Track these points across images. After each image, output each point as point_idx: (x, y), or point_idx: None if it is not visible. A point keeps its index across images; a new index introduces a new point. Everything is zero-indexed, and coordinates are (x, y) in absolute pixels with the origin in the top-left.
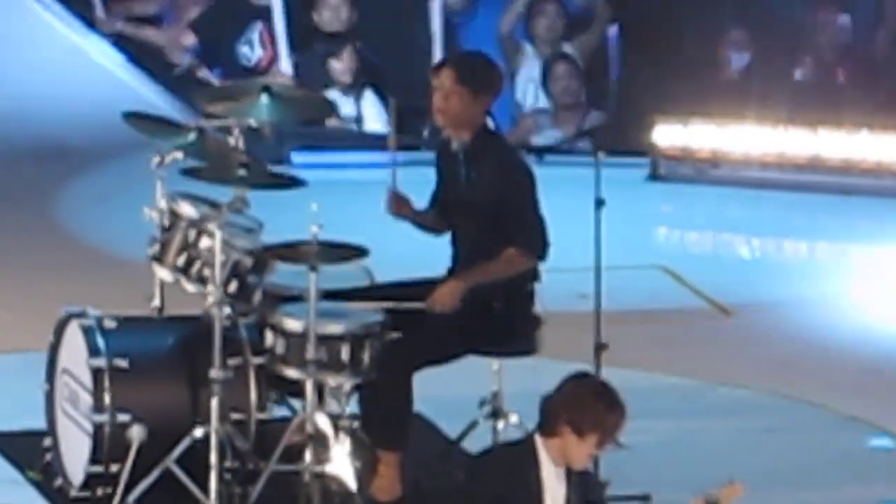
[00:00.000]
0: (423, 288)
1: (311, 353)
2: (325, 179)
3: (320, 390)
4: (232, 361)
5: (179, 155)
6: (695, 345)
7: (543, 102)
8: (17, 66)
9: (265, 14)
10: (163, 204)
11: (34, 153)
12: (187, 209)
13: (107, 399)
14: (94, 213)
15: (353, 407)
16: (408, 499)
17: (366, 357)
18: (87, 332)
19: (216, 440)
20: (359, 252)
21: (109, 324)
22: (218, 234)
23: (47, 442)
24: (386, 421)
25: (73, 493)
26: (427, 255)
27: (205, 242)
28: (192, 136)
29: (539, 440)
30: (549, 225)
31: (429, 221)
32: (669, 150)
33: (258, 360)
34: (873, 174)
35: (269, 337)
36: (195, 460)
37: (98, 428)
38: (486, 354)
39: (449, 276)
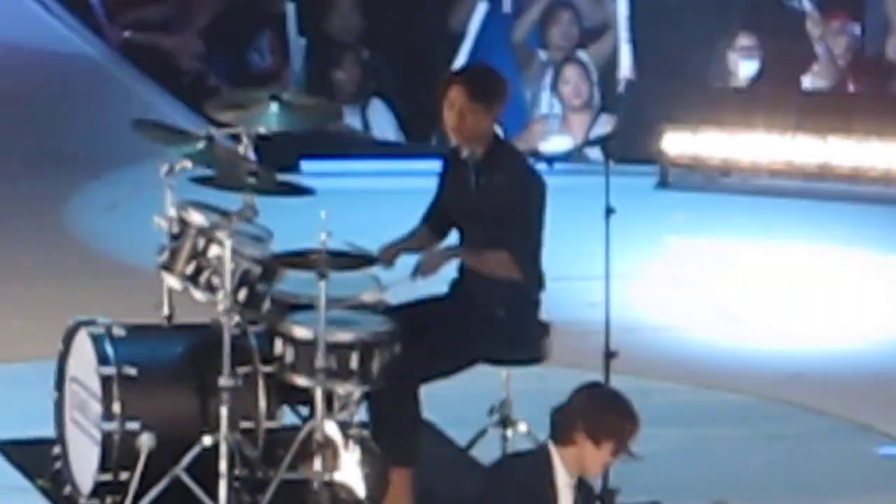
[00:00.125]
0: (430, 305)
1: (320, 361)
2: (335, 187)
3: (329, 398)
4: (241, 369)
5: (188, 163)
6: (704, 353)
7: (555, 108)
8: None
9: (275, 22)
10: (172, 212)
11: (43, 161)
12: (196, 217)
13: (116, 407)
14: (103, 222)
15: (362, 415)
16: None
17: (375, 365)
18: (97, 340)
19: (225, 448)
20: (367, 260)
21: (118, 332)
22: (227, 243)
23: (56, 450)
24: (396, 437)
25: (82, 501)
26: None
27: (214, 251)
28: (201, 145)
29: (553, 449)
30: (549, 239)
31: (416, 244)
32: (679, 158)
33: (267, 369)
34: (882, 182)
35: (279, 345)
36: (204, 468)
37: (107, 436)
38: (493, 363)
39: (454, 286)
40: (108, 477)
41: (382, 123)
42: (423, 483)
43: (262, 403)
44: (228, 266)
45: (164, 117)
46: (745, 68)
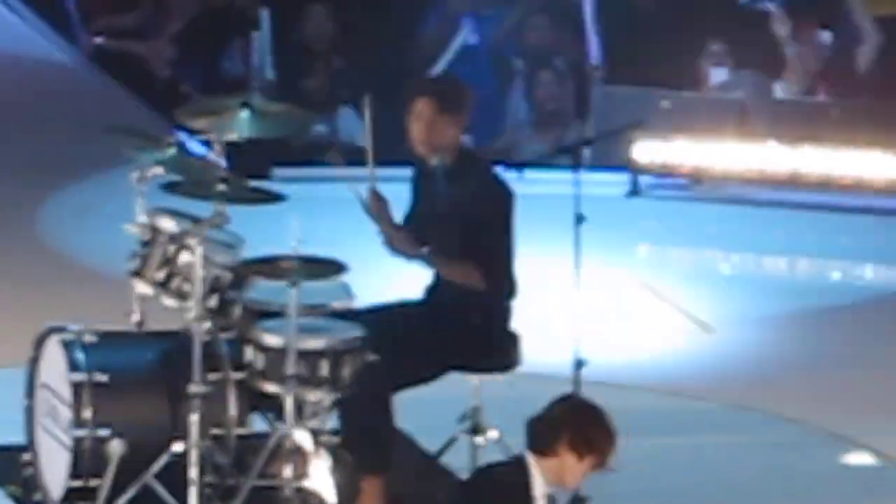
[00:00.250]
0: (401, 310)
1: (290, 368)
2: (306, 194)
3: (300, 405)
4: (212, 376)
5: (160, 170)
6: (675, 361)
7: (528, 115)
8: None
9: (247, 29)
10: (143, 219)
11: (15, 167)
12: (167, 224)
13: (86, 414)
14: (74, 228)
15: (332, 422)
16: None
17: (345, 372)
18: (67, 346)
19: (196, 455)
20: (338, 268)
21: (89, 338)
22: (198, 250)
23: (27, 457)
24: (367, 445)
25: None
26: (406, 272)
27: (185, 257)
28: (172, 151)
29: (532, 460)
30: (518, 249)
31: (399, 239)
32: (650, 166)
33: (238, 376)
34: (853, 191)
35: (249, 352)
36: (175, 475)
37: (78, 442)
38: (465, 371)
39: (427, 294)
40: (78, 483)
41: (353, 131)
42: (394, 491)
43: (233, 410)
44: (199, 273)
45: (136, 123)
46: (715, 76)
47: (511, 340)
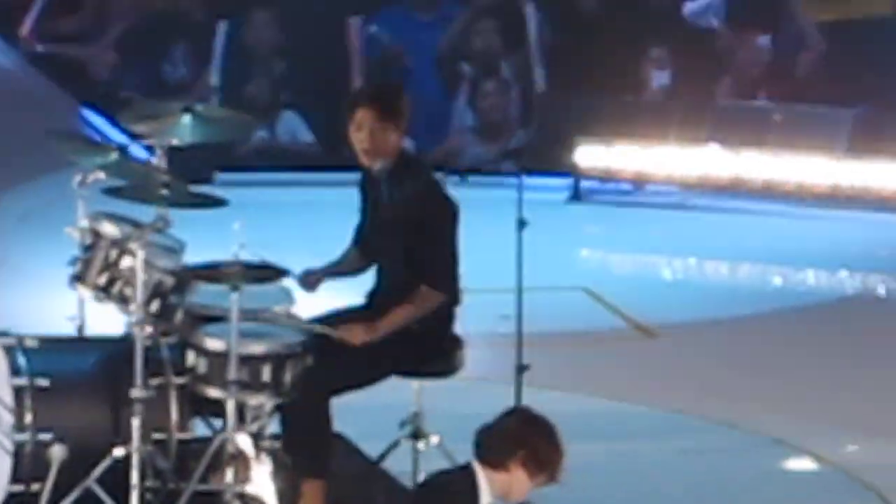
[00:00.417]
0: (345, 318)
1: (232, 373)
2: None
3: (241, 410)
4: (153, 381)
5: (102, 174)
6: (617, 366)
7: (472, 121)
8: None
9: (190, 33)
10: (85, 223)
11: None
12: (109, 228)
13: (28, 418)
14: (16, 232)
15: (274, 427)
16: None
17: (287, 377)
18: (9, 351)
19: (137, 460)
20: (280, 272)
21: (31, 343)
22: (140, 254)
23: None
24: (307, 450)
25: None
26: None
27: (126, 262)
28: (114, 156)
29: (480, 471)
30: (464, 253)
31: (344, 268)
32: (592, 170)
33: (180, 380)
34: (796, 196)
35: (191, 357)
36: (116, 480)
37: (19, 447)
38: (406, 376)
39: (370, 298)
40: (19, 488)
41: (296, 135)
42: (336, 495)
43: (175, 415)
44: (141, 277)
45: (78, 128)
46: (656, 81)
47: (454, 345)
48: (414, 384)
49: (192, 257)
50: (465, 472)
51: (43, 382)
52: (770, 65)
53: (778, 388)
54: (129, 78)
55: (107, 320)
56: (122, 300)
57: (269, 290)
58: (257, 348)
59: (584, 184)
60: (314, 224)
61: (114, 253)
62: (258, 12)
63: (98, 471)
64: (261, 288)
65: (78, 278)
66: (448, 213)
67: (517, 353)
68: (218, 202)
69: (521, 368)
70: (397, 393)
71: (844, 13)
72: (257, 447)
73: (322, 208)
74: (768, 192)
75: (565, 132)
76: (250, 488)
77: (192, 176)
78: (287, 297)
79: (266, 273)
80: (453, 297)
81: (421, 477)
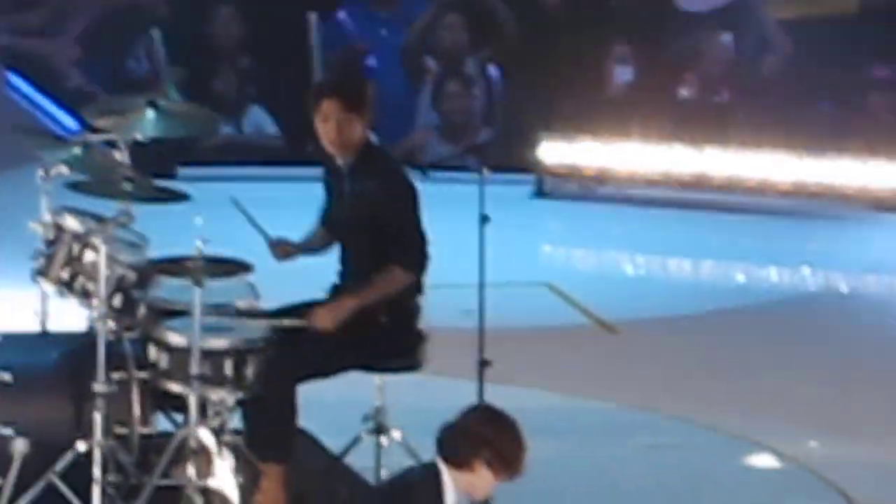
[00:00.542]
0: (307, 309)
1: (194, 367)
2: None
3: (203, 405)
4: (116, 375)
5: (65, 169)
6: (579, 362)
7: (436, 118)
8: None
9: (153, 28)
10: (48, 218)
11: None
12: (72, 223)
13: None
14: None
15: (235, 422)
16: None
17: (249, 372)
18: None
19: (99, 454)
20: (243, 267)
21: None
22: (102, 249)
23: None
24: (269, 434)
25: None
26: (312, 271)
27: (89, 256)
28: (77, 150)
29: (445, 470)
30: (429, 240)
31: (315, 244)
32: (555, 167)
33: (142, 375)
34: (758, 192)
35: (153, 351)
36: (78, 474)
37: None
38: (370, 370)
39: (333, 292)
40: None
41: (262, 130)
42: (298, 490)
43: (137, 409)
44: (103, 272)
45: (41, 123)
46: (620, 77)
47: (418, 340)
48: (377, 379)
49: (155, 252)
50: (430, 471)
51: (5, 377)
52: (733, 61)
53: (740, 384)
54: (93, 72)
55: (69, 315)
56: (85, 295)
57: (233, 284)
58: (219, 343)
59: (548, 180)
60: (275, 219)
61: (76, 247)
62: (222, 7)
63: (60, 465)
64: (224, 282)
65: (41, 273)
66: (410, 196)
67: (479, 348)
68: (180, 197)
69: (483, 364)
70: (360, 388)
71: (809, 11)
72: (219, 442)
73: (284, 204)
74: (731, 189)
75: (528, 129)
76: (212, 483)
77: (155, 170)
78: (251, 291)
79: (229, 268)
80: (419, 288)
81: (384, 472)
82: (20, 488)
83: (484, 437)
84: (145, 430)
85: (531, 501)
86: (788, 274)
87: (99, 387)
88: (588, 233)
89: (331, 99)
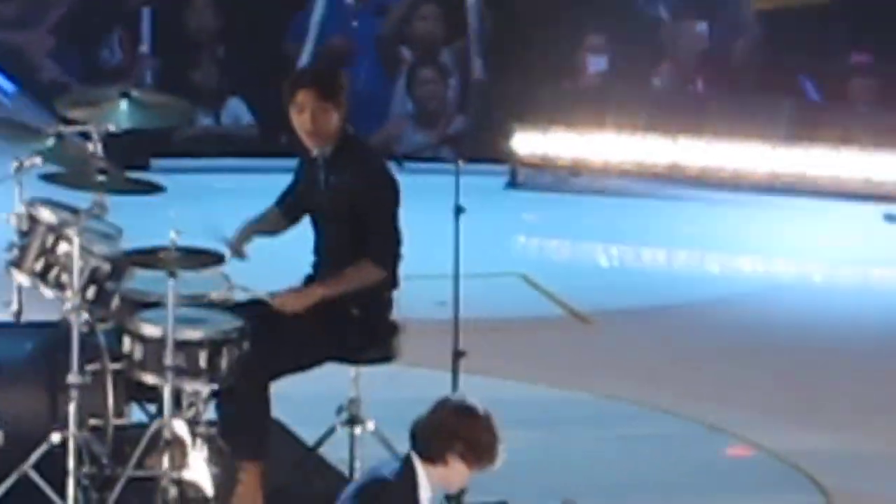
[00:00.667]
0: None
1: (168, 358)
2: (185, 185)
3: (178, 396)
4: (90, 367)
5: (38, 160)
6: (553, 353)
7: (410, 108)
8: None
9: (128, 19)
10: (21, 209)
11: None
12: (46, 214)
13: None
14: None
15: (210, 413)
16: None
17: (223, 363)
18: None
19: (74, 445)
20: (216, 258)
21: None
22: (76, 240)
23: None
24: (246, 431)
25: None
26: (285, 263)
27: (63, 248)
28: (50, 142)
29: (419, 464)
30: (404, 238)
31: (268, 227)
32: (529, 158)
33: (116, 366)
34: (731, 183)
35: (127, 343)
36: (53, 465)
37: None
38: (344, 362)
39: (307, 283)
40: None
41: (239, 122)
42: (273, 481)
43: (111, 401)
44: (77, 263)
45: (15, 114)
46: (594, 67)
47: (392, 331)
48: (351, 371)
49: (129, 244)
50: (404, 465)
51: None
52: (706, 51)
53: (713, 375)
54: (67, 63)
55: (43, 306)
56: (59, 286)
57: (207, 275)
58: (194, 334)
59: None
60: (246, 210)
61: (50, 239)
62: None
63: (34, 456)
64: (198, 273)
65: (14, 264)
66: (392, 193)
67: (454, 339)
68: (154, 188)
69: (457, 355)
70: (334, 379)
71: (784, 1)
72: (193, 433)
73: (258, 195)
74: (705, 180)
75: (502, 119)
76: (186, 474)
77: (128, 162)
78: (224, 282)
79: (202, 259)
80: (393, 281)
81: (358, 463)
82: None
83: (455, 430)
84: (120, 422)
85: (505, 491)
86: (762, 264)
87: (73, 378)
88: (562, 223)
89: (306, 89)
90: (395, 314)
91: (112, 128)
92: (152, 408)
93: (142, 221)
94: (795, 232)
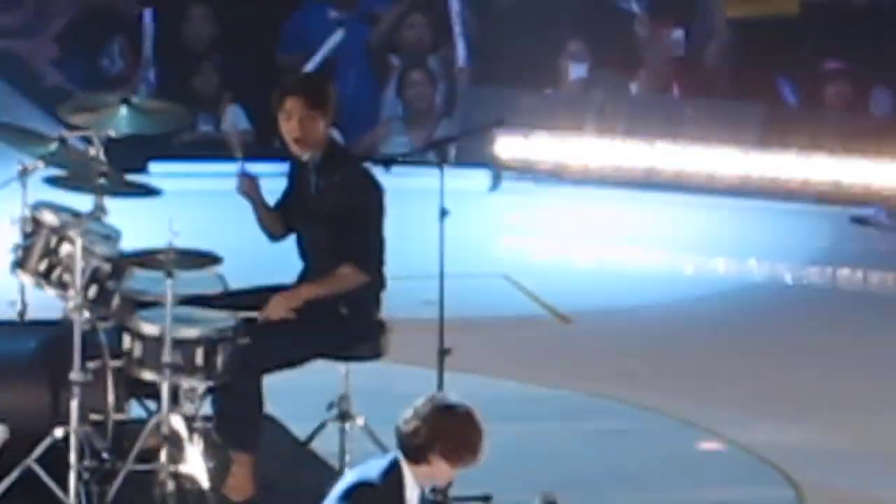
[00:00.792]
0: (270, 293)
1: (166, 356)
2: (183, 188)
3: (175, 392)
4: (91, 364)
5: (41, 164)
6: (535, 351)
7: (400, 112)
8: None
9: (128, 28)
10: (26, 211)
11: None
12: (49, 217)
13: None
14: None
15: (206, 409)
16: (260, 497)
17: (219, 360)
18: None
19: (75, 440)
20: (212, 259)
21: None
22: (78, 241)
23: None
24: (238, 423)
25: None
26: (278, 264)
27: (65, 249)
28: (53, 147)
29: (405, 465)
30: (392, 239)
31: (269, 218)
32: (511, 161)
33: (116, 363)
34: (707, 186)
35: (127, 341)
36: (55, 459)
37: None
38: (334, 359)
39: (300, 282)
40: None
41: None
42: (265, 474)
43: (111, 397)
44: (79, 264)
45: (19, 120)
46: (574, 73)
47: (380, 330)
48: (341, 368)
49: (128, 245)
50: (390, 465)
51: None
52: (682, 59)
53: (689, 371)
54: (70, 71)
55: (47, 305)
56: (62, 286)
57: (203, 275)
58: (190, 333)
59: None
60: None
61: (53, 240)
62: (195, 7)
63: (38, 450)
64: (194, 274)
65: (19, 265)
66: (377, 200)
67: (440, 337)
68: (151, 191)
69: (443, 352)
70: (325, 376)
71: (754, 11)
72: (190, 428)
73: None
74: (681, 183)
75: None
76: (183, 467)
77: (127, 166)
78: (220, 282)
79: (199, 260)
80: (380, 282)
81: (348, 457)
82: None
83: (436, 430)
84: (120, 417)
85: (488, 484)
86: (735, 265)
87: (75, 375)
88: (543, 226)
89: (294, 97)
90: (382, 313)
91: (112, 133)
92: (151, 404)
93: (140, 223)
94: (767, 233)
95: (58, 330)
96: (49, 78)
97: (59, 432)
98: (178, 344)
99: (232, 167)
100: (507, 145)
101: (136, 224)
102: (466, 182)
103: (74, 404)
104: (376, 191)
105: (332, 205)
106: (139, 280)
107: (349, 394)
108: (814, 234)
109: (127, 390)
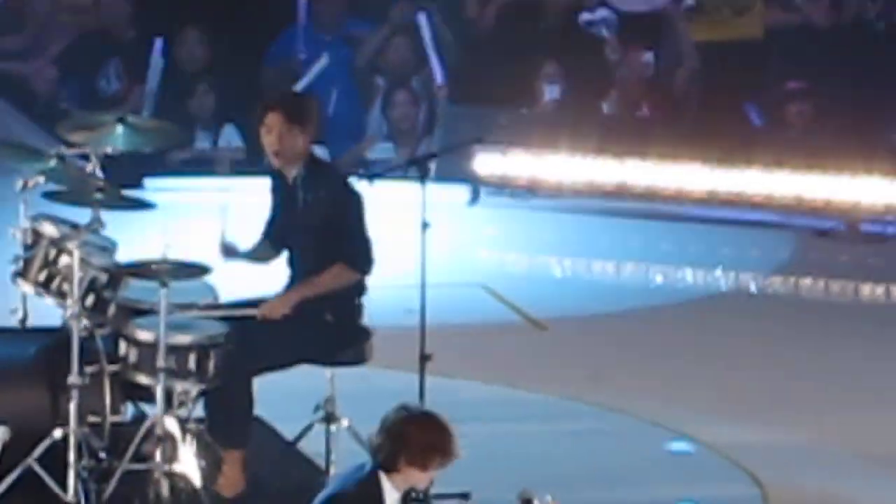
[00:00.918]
0: (259, 303)
1: (161, 361)
2: (176, 202)
3: (169, 395)
4: (89, 369)
5: (41, 179)
6: (512, 356)
7: (384, 129)
8: None
9: (124, 50)
10: (26, 224)
11: None
12: (49, 229)
13: None
14: None
15: (199, 411)
16: (250, 494)
17: (211, 365)
18: None
19: (74, 441)
20: (203, 270)
21: None
22: (76, 253)
23: None
24: (229, 422)
25: None
26: (265, 275)
27: (64, 260)
28: (53, 163)
29: (382, 474)
30: (374, 244)
31: (258, 255)
32: (489, 177)
33: (113, 368)
34: (674, 201)
35: (123, 347)
36: (55, 459)
37: None
38: (320, 364)
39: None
40: None
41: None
42: (254, 472)
43: (108, 400)
44: (77, 274)
45: (20, 137)
46: (549, 94)
47: (363, 336)
48: (327, 372)
49: (123, 256)
50: (368, 476)
51: None
52: (651, 79)
53: (657, 375)
54: (68, 91)
55: (46, 313)
56: (60, 295)
57: (194, 285)
58: (184, 339)
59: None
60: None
61: (53, 252)
62: (188, 30)
63: (38, 450)
64: (187, 283)
65: (20, 275)
66: (358, 205)
67: (421, 343)
68: (145, 205)
69: (424, 358)
70: (312, 380)
71: (719, 35)
72: (183, 429)
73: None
74: (650, 198)
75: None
76: (177, 467)
77: (123, 181)
78: (210, 291)
79: (192, 270)
80: (361, 287)
81: (333, 457)
82: (1, 472)
83: (398, 441)
84: (116, 419)
85: (467, 483)
86: (702, 275)
87: (73, 379)
88: (519, 237)
89: (274, 112)
90: (365, 320)
91: (109, 150)
92: (146, 406)
93: (135, 236)
94: (732, 244)
95: (57, 337)
96: (49, 98)
97: (58, 433)
98: (172, 349)
99: (223, 183)
100: (486, 161)
101: (131, 236)
102: (447, 196)
103: (73, 407)
104: (357, 197)
105: (320, 217)
106: (134, 289)
107: (335, 397)
108: (777, 245)
109: (123, 393)
